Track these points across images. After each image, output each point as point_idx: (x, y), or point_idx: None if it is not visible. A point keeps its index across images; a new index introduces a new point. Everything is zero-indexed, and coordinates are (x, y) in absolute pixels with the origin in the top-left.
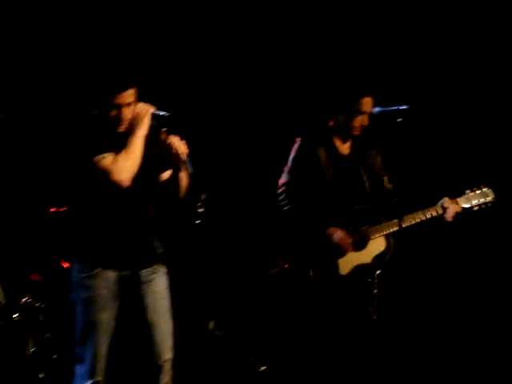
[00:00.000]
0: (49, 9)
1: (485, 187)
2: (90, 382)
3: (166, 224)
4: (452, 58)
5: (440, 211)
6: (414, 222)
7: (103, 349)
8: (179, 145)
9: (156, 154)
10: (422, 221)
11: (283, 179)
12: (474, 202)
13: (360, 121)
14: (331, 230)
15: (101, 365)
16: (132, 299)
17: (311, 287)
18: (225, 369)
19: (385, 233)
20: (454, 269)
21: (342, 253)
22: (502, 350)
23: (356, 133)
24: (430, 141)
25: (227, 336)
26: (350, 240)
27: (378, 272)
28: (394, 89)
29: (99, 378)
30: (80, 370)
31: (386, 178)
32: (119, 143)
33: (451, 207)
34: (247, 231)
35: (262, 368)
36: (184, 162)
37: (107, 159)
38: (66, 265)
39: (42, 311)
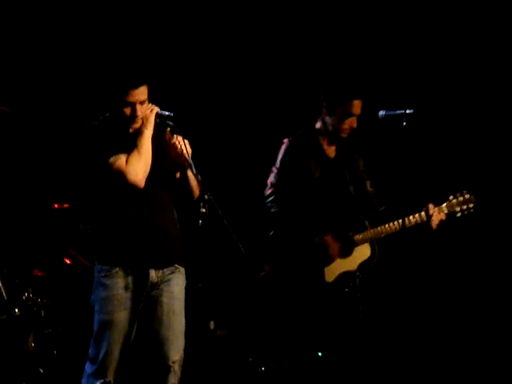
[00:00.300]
0: (60, 6)
1: (467, 193)
2: (100, 381)
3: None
4: (454, 63)
5: (424, 218)
6: (398, 229)
7: (117, 349)
8: (183, 145)
9: (164, 153)
10: (406, 227)
11: (271, 180)
12: (457, 208)
13: (349, 123)
14: (319, 237)
15: (113, 365)
16: (148, 297)
17: (296, 292)
18: (225, 369)
19: (370, 239)
20: (438, 272)
21: (329, 260)
22: (483, 355)
23: (344, 135)
24: (415, 145)
25: (227, 336)
26: (337, 247)
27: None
28: (399, 92)
29: (110, 378)
30: (91, 368)
31: (368, 182)
32: (132, 144)
33: (436, 215)
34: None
35: (262, 368)
36: (188, 161)
37: (122, 160)
38: (68, 261)
39: (43, 307)
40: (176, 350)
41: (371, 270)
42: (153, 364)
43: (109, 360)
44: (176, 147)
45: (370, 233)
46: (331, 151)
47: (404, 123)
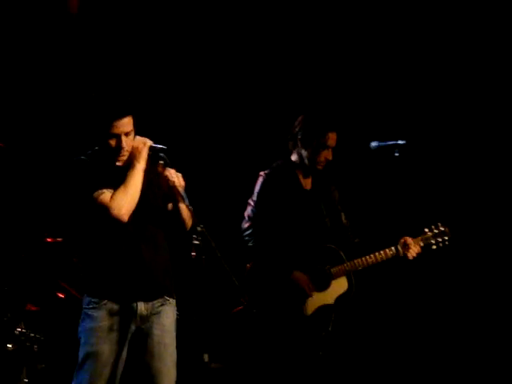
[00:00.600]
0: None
1: (442, 226)
2: None
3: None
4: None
5: (401, 250)
6: (375, 262)
7: (98, 382)
8: (176, 177)
9: (155, 186)
10: (383, 260)
11: (248, 213)
12: (433, 240)
13: (325, 155)
14: (295, 274)
15: None
16: (139, 330)
17: (274, 326)
18: None
19: (347, 272)
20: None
21: (303, 297)
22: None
23: (320, 167)
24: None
25: (222, 369)
26: (312, 286)
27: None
28: (390, 124)
29: None
30: None
31: (343, 214)
32: (119, 178)
33: (412, 247)
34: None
35: None
36: (181, 194)
37: (105, 195)
38: (61, 295)
39: (36, 342)
40: (168, 382)
41: (349, 303)
42: None
43: None
44: (169, 180)
45: (347, 265)
46: (307, 183)
47: (396, 154)
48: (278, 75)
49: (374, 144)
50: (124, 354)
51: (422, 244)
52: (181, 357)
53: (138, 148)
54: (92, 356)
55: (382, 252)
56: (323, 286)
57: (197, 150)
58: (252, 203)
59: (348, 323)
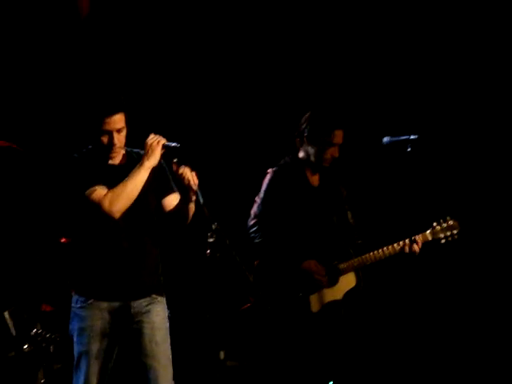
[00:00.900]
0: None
1: (451, 220)
2: None
3: (174, 254)
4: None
5: (408, 245)
6: (384, 256)
7: (94, 380)
8: (190, 175)
9: (148, 183)
10: (391, 255)
11: (255, 210)
12: (441, 235)
13: (331, 152)
14: (306, 263)
15: None
16: (130, 329)
17: (282, 323)
18: None
19: (355, 268)
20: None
21: (316, 287)
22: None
23: (326, 164)
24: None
25: (238, 366)
26: (323, 273)
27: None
28: (403, 119)
29: None
30: None
31: (349, 213)
32: (112, 176)
33: (419, 241)
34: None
35: None
36: (194, 192)
37: (98, 192)
38: None
39: (52, 342)
40: (165, 380)
41: (357, 298)
42: None
43: None
44: (184, 178)
45: (355, 261)
46: (315, 180)
47: (408, 149)
48: (286, 72)
49: (386, 139)
50: (114, 351)
51: (430, 238)
52: (197, 355)
53: (151, 145)
54: (84, 355)
55: (389, 247)
56: (331, 282)
57: (204, 148)
58: (259, 201)
59: (357, 319)
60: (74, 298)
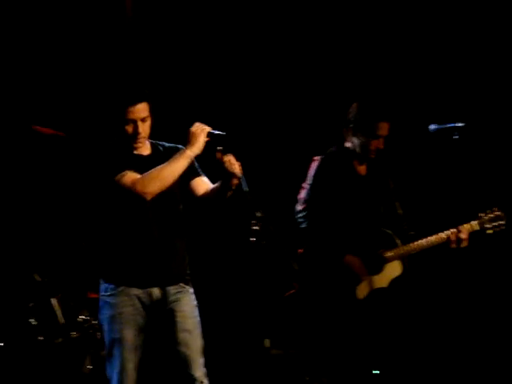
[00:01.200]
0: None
1: (498, 210)
2: None
3: (219, 242)
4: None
5: (454, 235)
6: (430, 246)
7: (130, 366)
8: (234, 164)
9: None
10: (437, 244)
11: (303, 196)
12: (488, 225)
13: (376, 144)
14: (348, 258)
15: (129, 382)
16: (160, 317)
17: (327, 310)
18: None
19: (402, 256)
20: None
21: (356, 281)
22: None
23: (371, 156)
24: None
25: (283, 355)
26: (364, 271)
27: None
28: (450, 106)
29: None
30: None
31: (397, 204)
32: (139, 166)
33: (466, 231)
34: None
35: None
36: (238, 180)
37: (129, 175)
38: None
39: (99, 329)
40: (198, 367)
41: (401, 287)
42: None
43: (123, 377)
44: (227, 167)
45: (402, 250)
46: (362, 170)
47: (455, 137)
48: (337, 60)
49: (432, 127)
50: (145, 338)
51: (477, 228)
52: (242, 342)
53: (194, 133)
54: (118, 342)
55: (436, 236)
56: (376, 270)
57: (247, 136)
58: (307, 186)
59: (401, 307)
60: (103, 286)
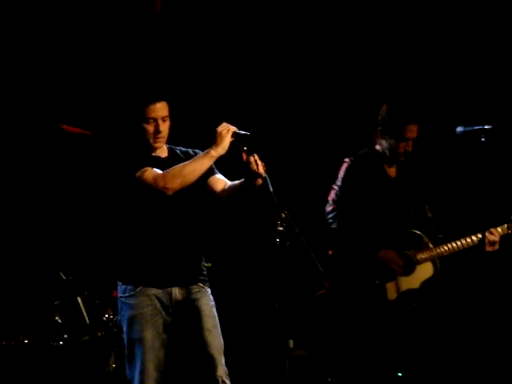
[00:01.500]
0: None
1: None
2: None
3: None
4: None
5: (486, 238)
6: (461, 248)
7: (151, 366)
8: (259, 164)
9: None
10: (468, 247)
11: (332, 197)
12: None
13: (404, 147)
14: (383, 252)
15: (150, 382)
16: (180, 317)
17: (358, 310)
18: None
19: (433, 258)
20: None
21: (392, 276)
22: None
23: (400, 158)
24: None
25: (306, 356)
26: (401, 263)
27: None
28: (476, 108)
29: None
30: None
31: (427, 207)
32: (158, 167)
33: (497, 234)
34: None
35: None
36: (262, 180)
37: (150, 171)
38: None
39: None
40: (219, 366)
41: (435, 288)
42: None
43: (144, 377)
44: (252, 167)
45: (434, 251)
46: (392, 172)
47: (482, 139)
48: (366, 62)
49: (459, 129)
50: (166, 337)
51: (510, 231)
52: (265, 343)
53: (220, 133)
54: (138, 342)
55: (467, 238)
56: (408, 271)
57: (276, 135)
58: (336, 188)
59: (433, 309)
60: (121, 287)
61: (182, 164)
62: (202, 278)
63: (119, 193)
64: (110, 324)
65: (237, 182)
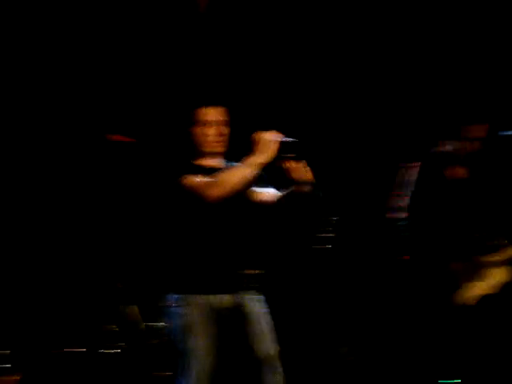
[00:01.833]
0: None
1: None
2: None
3: (295, 248)
4: None
5: None
6: None
7: (203, 375)
8: (306, 171)
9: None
10: None
11: (403, 203)
12: None
13: (470, 147)
14: (454, 265)
15: None
16: (233, 324)
17: (432, 316)
18: None
19: (508, 261)
20: None
21: (465, 286)
22: None
23: (468, 159)
24: None
25: (359, 362)
26: (472, 275)
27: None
28: None
29: None
30: None
31: (498, 206)
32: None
33: None
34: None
35: None
36: (311, 187)
37: (195, 178)
38: None
39: None
40: (276, 372)
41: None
42: None
43: None
44: (299, 173)
45: (508, 255)
46: (461, 173)
47: None
48: (428, 64)
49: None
50: (218, 346)
51: None
52: (317, 348)
53: (266, 141)
54: (190, 351)
55: None
56: (483, 275)
57: (319, 143)
58: (405, 194)
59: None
60: (171, 296)
61: (226, 172)
62: (253, 285)
63: (171, 200)
64: (164, 332)
65: (283, 192)
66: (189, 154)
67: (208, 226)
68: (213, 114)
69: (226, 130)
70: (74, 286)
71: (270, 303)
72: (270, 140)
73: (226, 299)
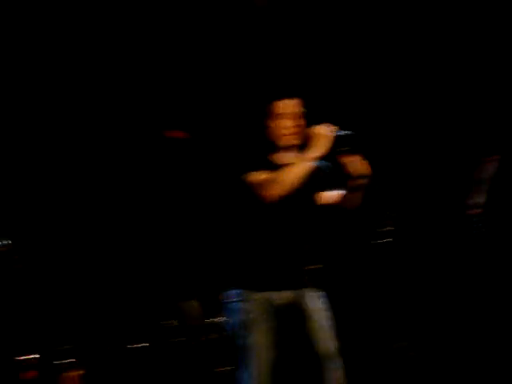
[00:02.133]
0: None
1: None
2: None
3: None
4: None
5: None
6: None
7: (263, 370)
8: (362, 165)
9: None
10: None
11: (478, 200)
12: None
13: None
14: None
15: None
16: (293, 320)
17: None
18: None
19: None
20: None
21: None
22: None
23: None
24: None
25: (418, 357)
26: None
27: None
28: None
29: None
30: None
31: None
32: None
33: None
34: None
35: None
36: (367, 181)
37: (257, 176)
38: None
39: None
40: (336, 368)
41: None
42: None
43: (257, 383)
44: (355, 167)
45: None
46: None
47: None
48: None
49: None
50: (276, 342)
51: None
52: (373, 344)
53: (321, 134)
54: (248, 347)
55: None
56: None
57: (379, 136)
58: (481, 190)
59: None
60: (232, 291)
61: (282, 171)
62: (311, 281)
63: (232, 196)
64: (224, 327)
65: (344, 189)
66: (263, 148)
67: (269, 223)
68: (289, 106)
69: (302, 122)
70: (135, 282)
71: (330, 299)
72: (325, 134)
73: (286, 295)
